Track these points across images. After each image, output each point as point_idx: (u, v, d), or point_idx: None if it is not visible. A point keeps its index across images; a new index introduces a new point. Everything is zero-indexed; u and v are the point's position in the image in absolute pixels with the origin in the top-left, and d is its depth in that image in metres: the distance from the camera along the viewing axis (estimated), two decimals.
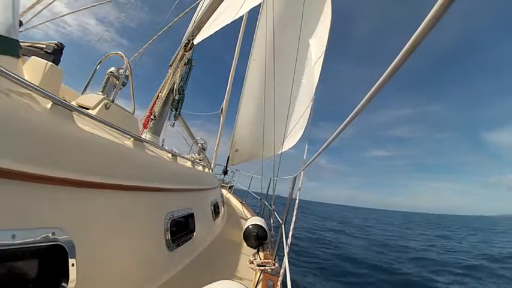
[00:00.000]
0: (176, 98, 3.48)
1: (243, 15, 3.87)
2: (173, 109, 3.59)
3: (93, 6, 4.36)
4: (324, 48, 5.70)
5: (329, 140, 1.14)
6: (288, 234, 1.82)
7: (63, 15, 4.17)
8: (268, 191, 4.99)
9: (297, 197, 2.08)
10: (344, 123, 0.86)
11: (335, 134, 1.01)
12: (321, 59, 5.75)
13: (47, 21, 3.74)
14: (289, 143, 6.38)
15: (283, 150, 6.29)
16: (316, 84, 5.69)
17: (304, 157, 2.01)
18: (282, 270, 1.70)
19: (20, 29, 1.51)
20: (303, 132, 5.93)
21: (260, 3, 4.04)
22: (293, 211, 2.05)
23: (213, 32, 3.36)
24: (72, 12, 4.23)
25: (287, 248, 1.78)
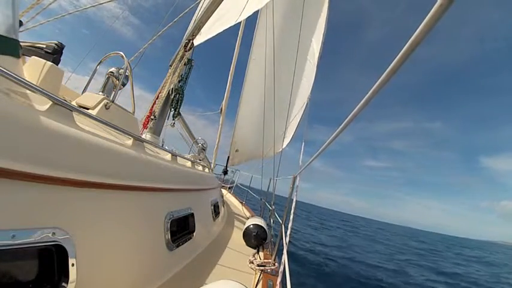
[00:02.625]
0: (175, 98, 3.49)
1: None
2: (172, 109, 3.59)
3: (94, 6, 4.36)
4: (320, 47, 5.75)
5: (327, 142, 1.15)
6: (286, 234, 1.83)
7: (63, 15, 4.17)
8: (268, 189, 5.00)
9: (294, 198, 2.08)
10: (341, 126, 0.86)
11: (332, 136, 1.01)
12: (317, 58, 5.83)
13: (48, 21, 3.75)
14: (286, 141, 6.46)
15: (282, 147, 6.35)
16: (312, 83, 5.78)
17: (300, 160, 2.02)
18: (282, 270, 1.70)
19: (20, 29, 1.51)
20: (295, 130, 6.03)
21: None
22: (291, 212, 2.04)
23: (213, 35, 3.35)
24: (74, 12, 4.23)
25: (286, 248, 1.78)
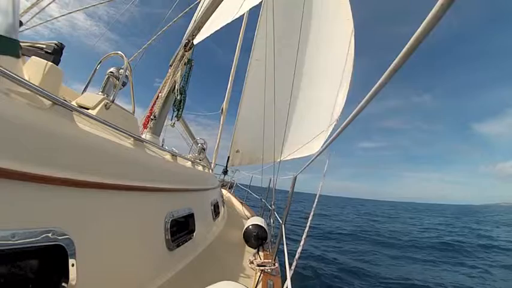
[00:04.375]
0: (178, 98, 3.49)
1: (243, 14, 3.84)
2: (175, 109, 3.60)
3: (94, 5, 4.36)
4: (347, 52, 5.09)
5: (331, 138, 1.15)
6: (302, 237, 1.73)
7: (63, 15, 4.18)
8: (268, 187, 4.99)
9: (317, 196, 1.86)
10: (344, 123, 0.86)
11: (336, 133, 1.01)
12: (343, 63, 5.14)
13: (48, 21, 3.75)
14: (300, 152, 6.09)
15: (290, 158, 6.12)
16: (342, 97, 5.11)
17: (312, 159, 1.90)
18: (282, 270, 1.70)
19: (20, 29, 1.50)
20: (321, 150, 5.58)
21: (261, 2, 4.01)
22: (312, 211, 1.85)
23: (212, 32, 3.35)
24: (72, 12, 4.24)
25: (298, 250, 1.75)
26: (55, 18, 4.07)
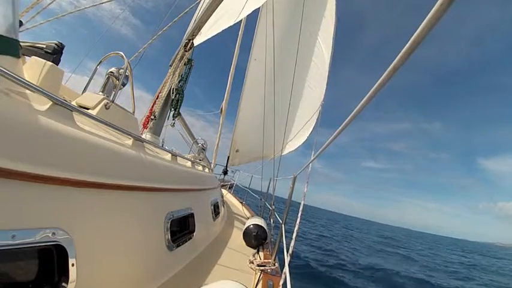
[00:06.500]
0: (175, 98, 3.48)
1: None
2: (172, 109, 3.59)
3: (95, 5, 4.36)
4: (330, 50, 5.82)
5: (327, 142, 1.15)
6: (290, 242, 1.80)
7: (64, 15, 4.17)
8: (268, 190, 5.00)
9: (302, 202, 2.06)
10: (342, 125, 0.86)
11: (333, 136, 1.01)
12: (327, 61, 5.90)
13: (48, 21, 3.74)
14: (292, 145, 6.51)
15: (285, 152, 6.42)
16: (324, 87, 5.85)
17: (309, 167, 2.02)
18: (282, 270, 1.70)
19: (20, 29, 1.50)
20: (308, 136, 6.12)
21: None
22: (297, 215, 2.01)
23: (213, 35, 3.37)
24: (75, 12, 4.23)
25: (290, 249, 1.78)
26: (57, 17, 4.06)
